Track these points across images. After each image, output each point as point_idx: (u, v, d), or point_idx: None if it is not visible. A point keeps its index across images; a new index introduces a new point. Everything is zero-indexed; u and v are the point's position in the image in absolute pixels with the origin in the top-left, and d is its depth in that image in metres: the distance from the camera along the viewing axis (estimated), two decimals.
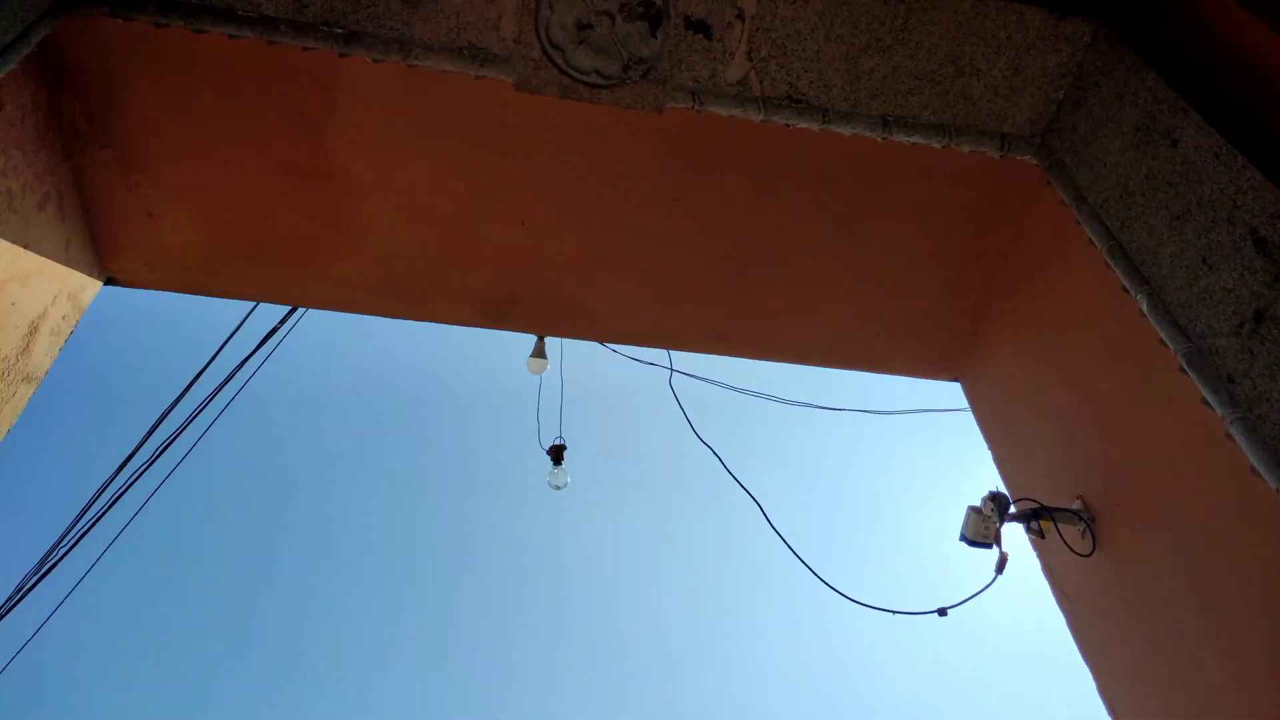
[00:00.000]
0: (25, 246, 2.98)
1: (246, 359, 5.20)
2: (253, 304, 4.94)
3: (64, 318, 3.33)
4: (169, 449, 5.32)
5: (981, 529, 3.04)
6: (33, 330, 3.11)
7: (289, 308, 5.04)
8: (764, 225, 3.30)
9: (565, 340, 5.47)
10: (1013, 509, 3.09)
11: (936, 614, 3.02)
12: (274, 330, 5.01)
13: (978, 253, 3.40)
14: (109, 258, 3.49)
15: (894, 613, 3.18)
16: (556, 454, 5.53)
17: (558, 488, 5.46)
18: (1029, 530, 3.11)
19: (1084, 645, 3.06)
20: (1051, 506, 2.98)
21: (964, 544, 3.10)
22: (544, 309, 3.79)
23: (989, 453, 3.63)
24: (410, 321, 3.88)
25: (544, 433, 5.57)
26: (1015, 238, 3.30)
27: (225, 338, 5.10)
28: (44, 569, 5.72)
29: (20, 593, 5.68)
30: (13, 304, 2.96)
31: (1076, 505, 2.95)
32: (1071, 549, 2.92)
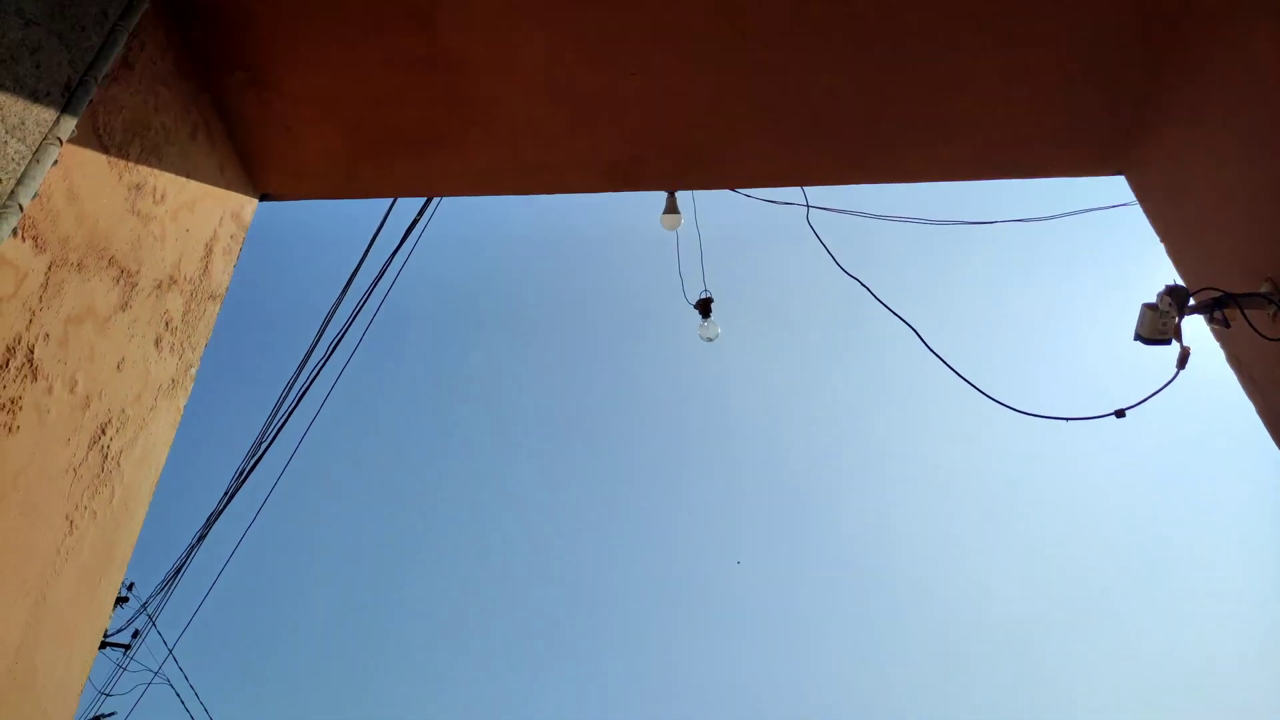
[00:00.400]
0: (187, 176, 3.17)
1: (395, 250, 5.44)
2: (392, 200, 5.12)
3: (232, 237, 3.56)
4: (341, 342, 5.70)
5: (1158, 325, 2.90)
6: (208, 251, 3.35)
7: (425, 199, 5.19)
8: (896, 39, 3.10)
9: (696, 192, 5.41)
10: (1192, 301, 2.94)
11: (1114, 416, 2.95)
12: (415, 221, 5.20)
13: (1138, 29, 3.09)
14: (260, 175, 3.67)
15: (1067, 420, 3.12)
16: (704, 307, 5.55)
17: (709, 339, 5.51)
18: (1211, 321, 2.96)
19: (1277, 433, 2.94)
20: (1237, 293, 2.81)
21: (1140, 343, 2.98)
22: (670, 163, 3.75)
23: (1161, 247, 3.43)
24: (544, 196, 3.94)
25: (688, 288, 5.61)
26: (1182, 3, 2.98)
27: (371, 235, 5.33)
28: (254, 460, 6.34)
29: (240, 479, 6.34)
30: (187, 230, 3.19)
31: (1265, 288, 2.76)
32: (1261, 334, 2.76)
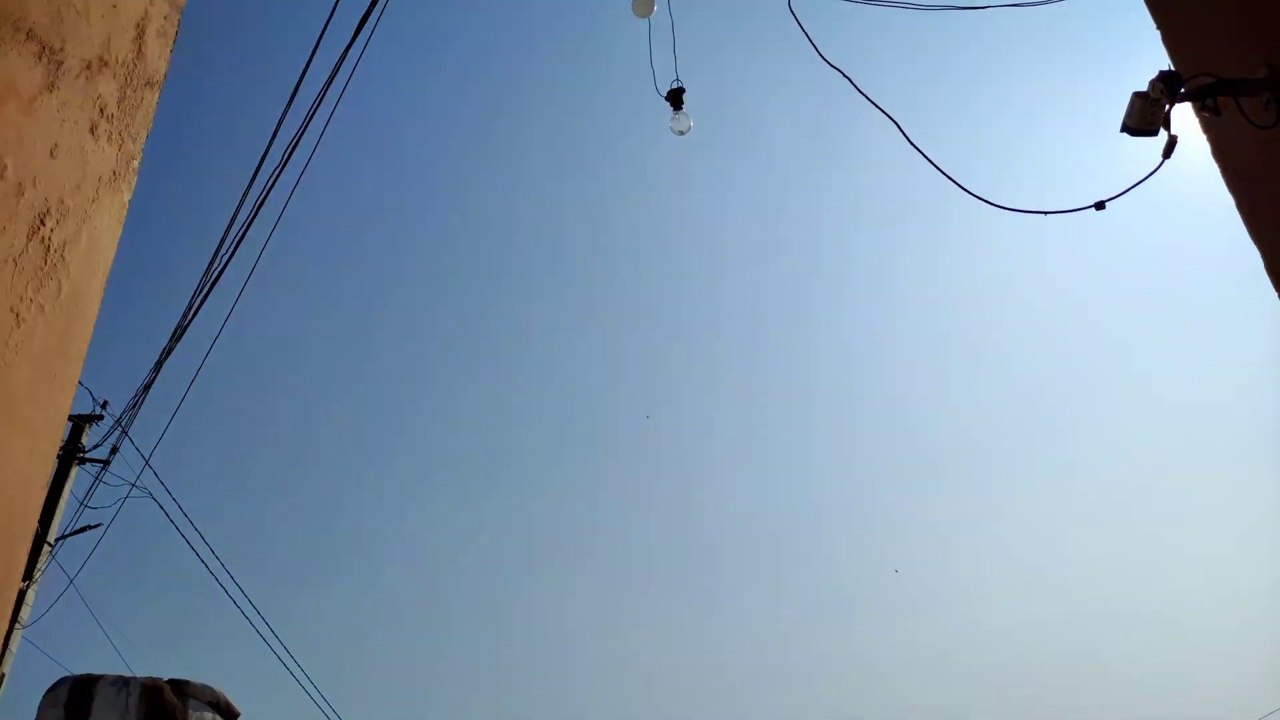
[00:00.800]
0: None
1: (349, 46, 5.09)
2: None
3: (165, 18, 3.27)
4: (301, 139, 5.44)
5: (1147, 114, 2.79)
6: (140, 33, 3.08)
7: None
8: None
9: None
10: (1184, 88, 2.82)
11: (1093, 208, 2.88)
12: (368, 12, 4.83)
13: None
14: None
15: (1046, 213, 3.06)
16: (675, 98, 5.26)
17: (681, 132, 5.26)
18: (1202, 109, 2.85)
19: (1254, 225, 2.90)
20: (1232, 79, 2.69)
21: (1127, 135, 2.88)
22: None
23: (1156, 36, 3.26)
24: None
25: (660, 80, 5.29)
26: None
27: (320, 28, 4.96)
28: (217, 273, 6.20)
29: (204, 293, 6.22)
30: (113, 6, 2.93)
31: (1262, 74, 2.65)
32: (1252, 122, 2.67)
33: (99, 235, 2.85)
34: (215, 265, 6.53)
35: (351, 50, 5.16)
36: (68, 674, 15.95)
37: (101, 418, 12.98)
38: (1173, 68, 3.14)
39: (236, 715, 17.63)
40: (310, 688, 14.06)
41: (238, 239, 6.22)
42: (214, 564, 11.78)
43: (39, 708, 15.75)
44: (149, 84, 3.16)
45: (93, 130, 2.81)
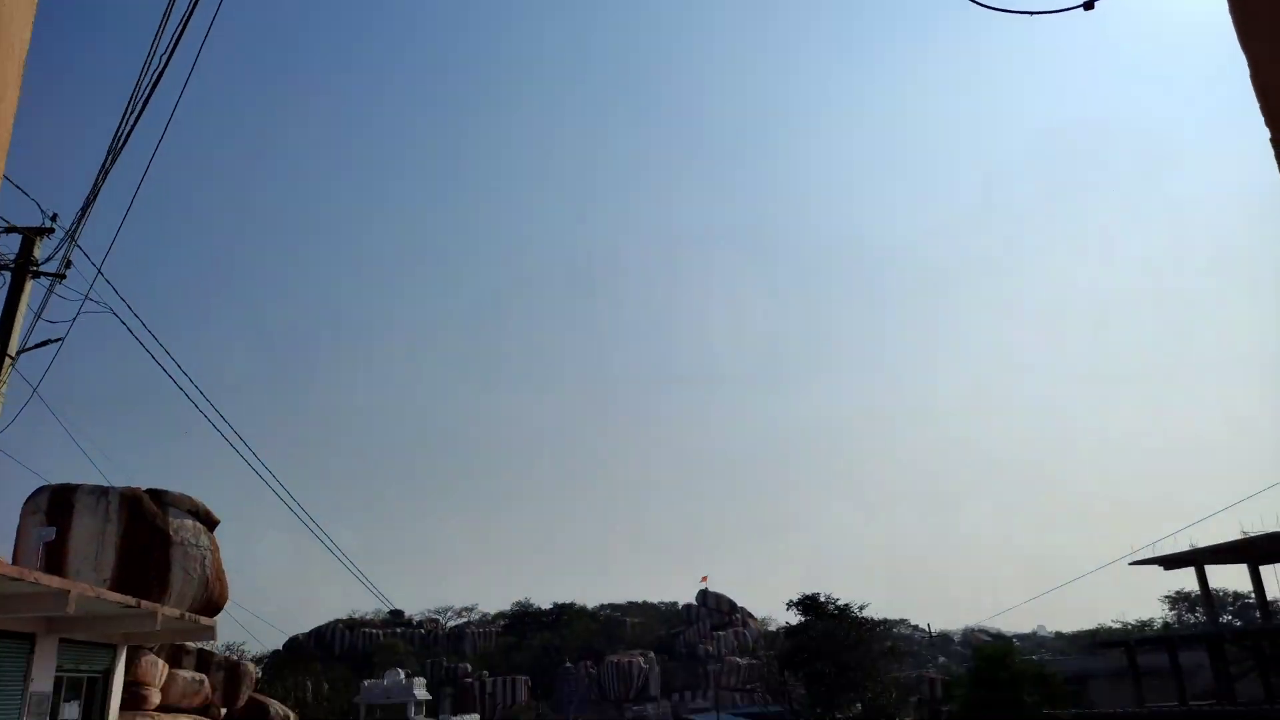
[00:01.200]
0: None
1: None
2: None
3: None
4: None
5: None
6: None
7: None
8: None
9: None
10: None
11: (1081, 9, 2.72)
12: None
13: None
14: None
15: (1033, 14, 2.89)
16: None
17: None
18: None
19: (1244, 29, 2.77)
20: None
21: None
22: None
23: None
24: None
25: None
26: None
27: None
28: (156, 74, 5.83)
29: (144, 99, 5.88)
30: None
31: None
32: None
33: (10, 15, 2.61)
34: (153, 66, 6.09)
35: None
36: (46, 483, 16.28)
37: (52, 230, 12.58)
38: None
39: (216, 523, 18.26)
40: (286, 497, 14.49)
41: (175, 37, 5.78)
42: (180, 376, 11.78)
43: (20, 514, 16.15)
44: None
45: None
